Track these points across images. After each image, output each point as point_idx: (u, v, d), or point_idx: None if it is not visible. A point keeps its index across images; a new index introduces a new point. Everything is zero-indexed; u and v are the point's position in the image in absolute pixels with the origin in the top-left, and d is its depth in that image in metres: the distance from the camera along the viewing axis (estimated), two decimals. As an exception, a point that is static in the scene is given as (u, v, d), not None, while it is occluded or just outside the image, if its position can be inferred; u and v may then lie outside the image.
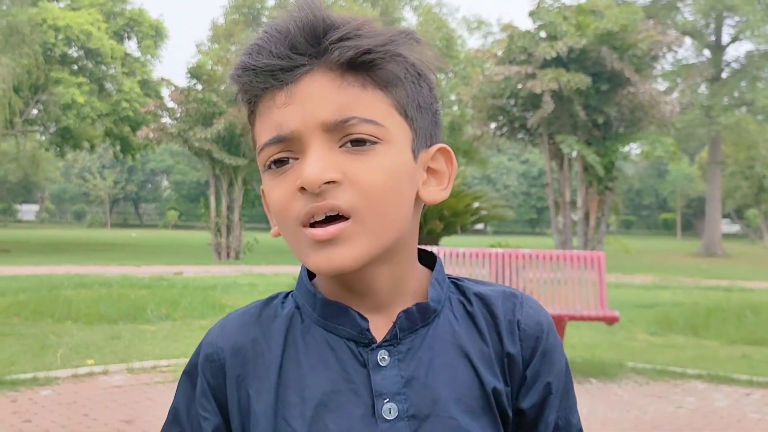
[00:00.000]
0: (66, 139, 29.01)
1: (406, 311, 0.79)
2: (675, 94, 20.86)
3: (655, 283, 15.62)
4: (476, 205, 9.70)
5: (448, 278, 0.85)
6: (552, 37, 18.64)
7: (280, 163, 0.75)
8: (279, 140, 0.74)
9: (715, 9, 30.25)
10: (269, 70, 0.74)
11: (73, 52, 27.11)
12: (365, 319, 0.79)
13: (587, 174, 19.66)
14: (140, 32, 29.77)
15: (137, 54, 30.42)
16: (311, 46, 0.74)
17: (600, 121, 18.84)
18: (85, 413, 4.53)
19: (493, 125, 21.29)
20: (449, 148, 0.83)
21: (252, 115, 0.80)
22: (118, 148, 30.74)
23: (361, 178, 0.72)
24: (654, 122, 19.24)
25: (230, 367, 0.82)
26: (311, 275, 0.85)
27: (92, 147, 32.12)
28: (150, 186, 74.30)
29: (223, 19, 32.60)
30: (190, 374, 0.86)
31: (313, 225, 0.73)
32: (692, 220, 61.84)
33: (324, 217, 0.73)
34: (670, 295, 12.79)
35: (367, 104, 0.74)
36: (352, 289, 0.80)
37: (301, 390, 0.79)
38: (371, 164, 0.73)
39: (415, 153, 0.78)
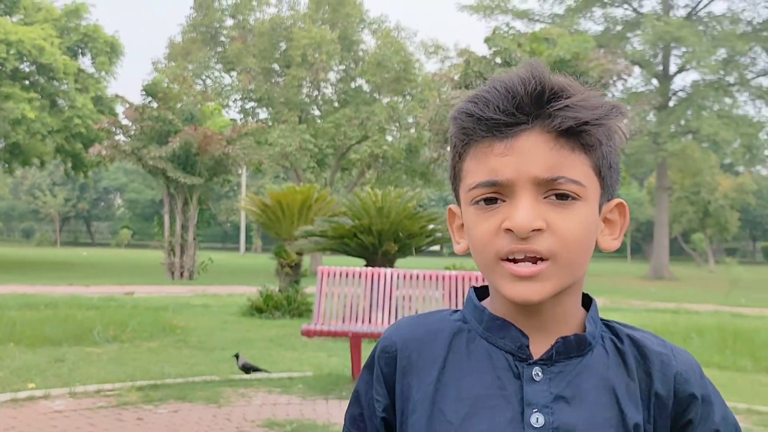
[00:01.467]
0: (15, 155, 28.37)
1: (565, 338, 0.91)
2: (624, 121, 21.40)
3: (605, 305, 15.92)
4: (431, 227, 9.74)
5: (601, 320, 0.98)
6: (507, 63, 19.00)
7: (489, 201, 0.88)
8: (492, 184, 0.87)
9: (663, 39, 31.26)
10: (493, 123, 0.87)
11: (25, 67, 26.61)
12: (526, 337, 0.91)
13: (540, 197, 19.95)
14: (95, 48, 29.38)
15: (91, 70, 30.00)
16: (535, 109, 0.86)
17: (553, 145, 19.24)
18: (22, 438, 4.42)
19: (449, 148, 21.56)
20: (625, 203, 0.97)
21: (461, 153, 0.93)
22: (69, 165, 30.18)
23: (562, 229, 0.85)
24: (604, 148, 19.71)
25: (399, 359, 0.97)
26: (479, 296, 0.99)
27: (42, 163, 31.47)
28: (103, 204, 72.88)
29: (180, 37, 32.38)
30: (369, 365, 1.02)
31: (509, 259, 0.87)
32: (641, 243, 63.28)
33: (523, 257, 0.86)
34: (620, 316, 12.96)
35: (574, 166, 0.86)
36: (521, 311, 0.92)
37: (459, 389, 0.91)
38: (571, 217, 0.86)
39: (600, 206, 0.92)
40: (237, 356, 6.62)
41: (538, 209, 0.85)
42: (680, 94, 35.88)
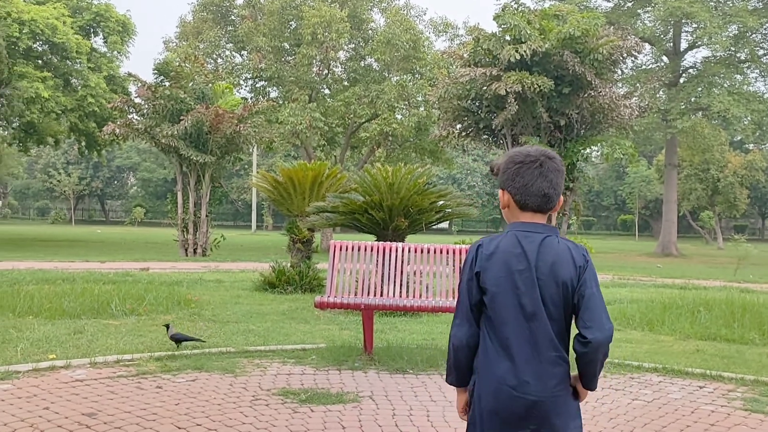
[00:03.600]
0: (30, 134, 28.60)
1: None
2: (634, 98, 21.29)
3: (612, 281, 16.02)
4: (441, 202, 9.82)
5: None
6: (516, 40, 18.93)
7: None
8: None
9: (673, 16, 30.93)
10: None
11: (38, 46, 26.74)
12: None
13: (549, 175, 19.97)
14: (107, 28, 29.45)
15: (103, 49, 30.11)
16: None
17: (562, 123, 19.21)
18: (45, 407, 4.56)
19: (458, 126, 21.55)
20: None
21: None
22: (83, 144, 30.39)
23: None
24: (614, 125, 19.67)
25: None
26: None
27: (57, 142, 31.70)
28: (116, 183, 73.29)
29: (191, 16, 32.37)
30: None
31: None
32: (649, 221, 63.09)
33: None
34: (627, 292, 13.14)
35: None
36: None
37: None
38: None
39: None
40: (167, 327, 6.60)
41: None
42: (691, 71, 35.58)
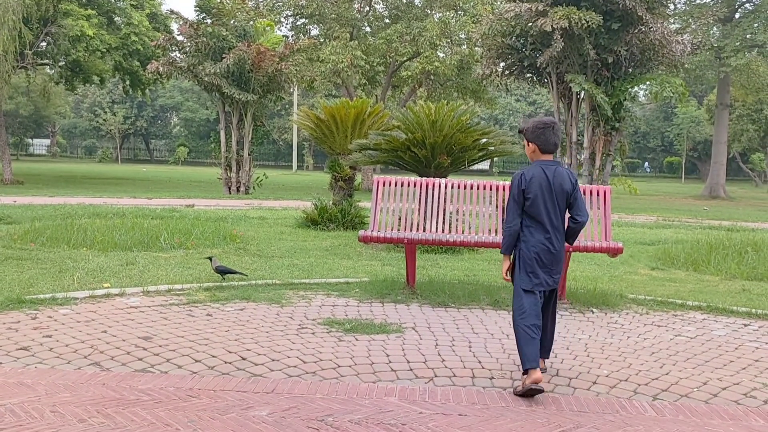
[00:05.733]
0: (76, 72, 28.97)
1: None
2: (686, 34, 20.53)
3: (657, 222, 15.81)
4: (484, 140, 9.69)
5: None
6: (564, -27, 18.33)
7: None
8: None
9: (732, -53, 29.47)
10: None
11: (81, -17, 26.84)
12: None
13: (594, 114, 19.62)
14: (148, -36, 29.35)
15: (145, -14, 30.06)
16: None
17: (609, 60, 18.68)
18: (103, 330, 4.80)
19: (502, 64, 21.14)
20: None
21: None
22: (127, 82, 30.72)
23: None
24: (664, 63, 19.06)
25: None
26: None
27: (102, 81, 32.09)
28: (159, 122, 74.17)
29: (231, -49, 31.97)
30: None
31: None
32: (697, 163, 61.54)
33: None
34: (672, 233, 12.99)
35: None
36: None
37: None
38: None
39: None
40: (210, 259, 6.80)
41: None
42: (747, 5, 34.01)
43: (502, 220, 5.63)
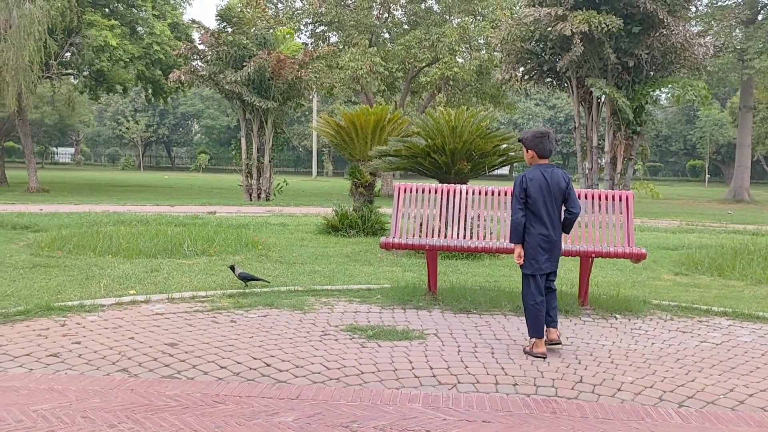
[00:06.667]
0: (99, 82, 29.39)
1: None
2: (708, 37, 20.34)
3: (681, 227, 15.66)
4: (504, 146, 9.69)
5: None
6: (584, -23, 18.26)
7: None
8: None
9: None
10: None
11: (105, -6, 27.24)
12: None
13: (615, 118, 19.50)
14: (170, -26, 29.72)
15: (167, -4, 30.45)
16: None
17: (630, 64, 18.57)
18: (131, 336, 4.88)
19: (521, 69, 21.09)
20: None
21: None
22: (150, 91, 31.09)
23: None
24: (686, 65, 18.90)
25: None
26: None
27: (125, 90, 32.51)
28: (181, 129, 74.89)
29: (251, -40, 32.26)
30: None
31: None
32: (720, 166, 60.82)
33: None
34: (696, 237, 12.86)
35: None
36: None
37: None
38: None
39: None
40: (233, 267, 6.84)
41: None
42: (771, 7, 33.68)
43: None
